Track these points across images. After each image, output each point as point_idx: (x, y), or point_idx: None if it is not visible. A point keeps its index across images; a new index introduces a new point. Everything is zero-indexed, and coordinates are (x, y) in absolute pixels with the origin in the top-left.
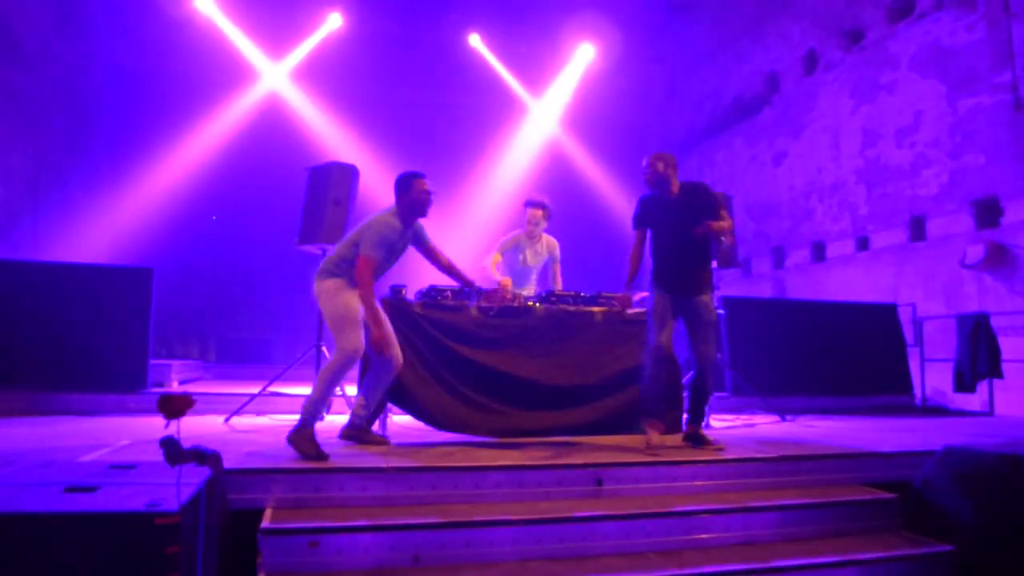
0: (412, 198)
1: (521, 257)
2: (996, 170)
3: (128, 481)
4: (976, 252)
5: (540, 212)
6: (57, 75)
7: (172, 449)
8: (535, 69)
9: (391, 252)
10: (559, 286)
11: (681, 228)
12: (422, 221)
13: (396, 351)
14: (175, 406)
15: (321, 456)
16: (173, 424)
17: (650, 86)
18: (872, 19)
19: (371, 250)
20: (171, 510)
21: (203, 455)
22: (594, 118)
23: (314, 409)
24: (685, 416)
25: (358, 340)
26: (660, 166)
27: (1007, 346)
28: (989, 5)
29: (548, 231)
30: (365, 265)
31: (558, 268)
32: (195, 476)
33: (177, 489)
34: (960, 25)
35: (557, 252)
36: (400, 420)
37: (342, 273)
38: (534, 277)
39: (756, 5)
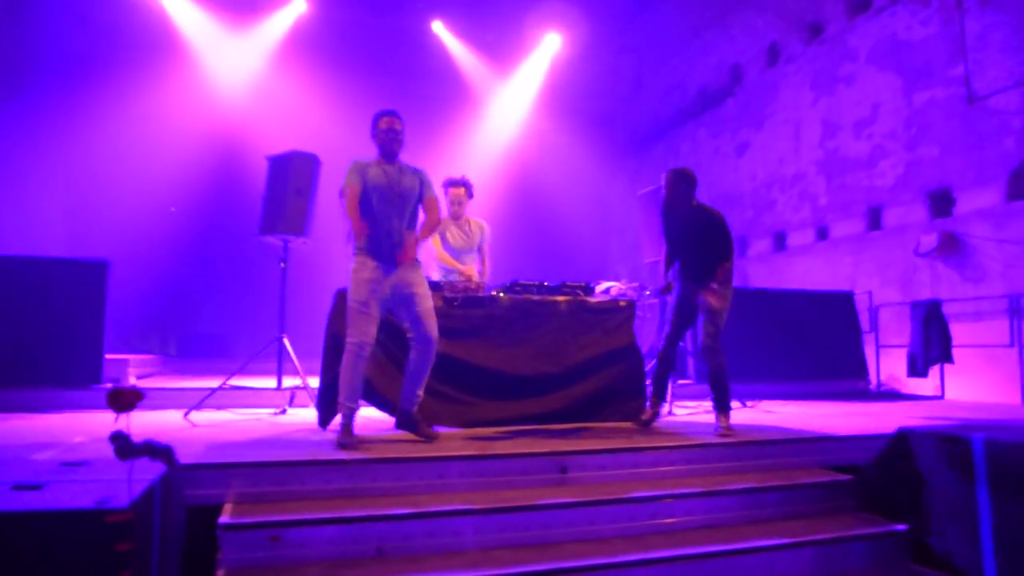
0: (374, 137)
1: (450, 241)
2: (949, 162)
3: (79, 478)
4: (930, 241)
5: (462, 191)
6: (7, 62)
7: (122, 444)
8: (501, 58)
9: (373, 191)
10: (486, 270)
11: (693, 243)
12: (431, 179)
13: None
14: (124, 400)
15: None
16: (123, 419)
17: (617, 76)
18: (832, 13)
19: (346, 183)
20: (121, 507)
21: (155, 449)
22: (561, 107)
23: (343, 404)
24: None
25: (354, 333)
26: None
27: (958, 332)
28: (943, 0)
29: (505, 215)
30: (348, 201)
31: (486, 250)
32: (149, 472)
33: (128, 485)
34: (915, 20)
35: (487, 234)
36: (364, 412)
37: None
38: (469, 261)
39: None
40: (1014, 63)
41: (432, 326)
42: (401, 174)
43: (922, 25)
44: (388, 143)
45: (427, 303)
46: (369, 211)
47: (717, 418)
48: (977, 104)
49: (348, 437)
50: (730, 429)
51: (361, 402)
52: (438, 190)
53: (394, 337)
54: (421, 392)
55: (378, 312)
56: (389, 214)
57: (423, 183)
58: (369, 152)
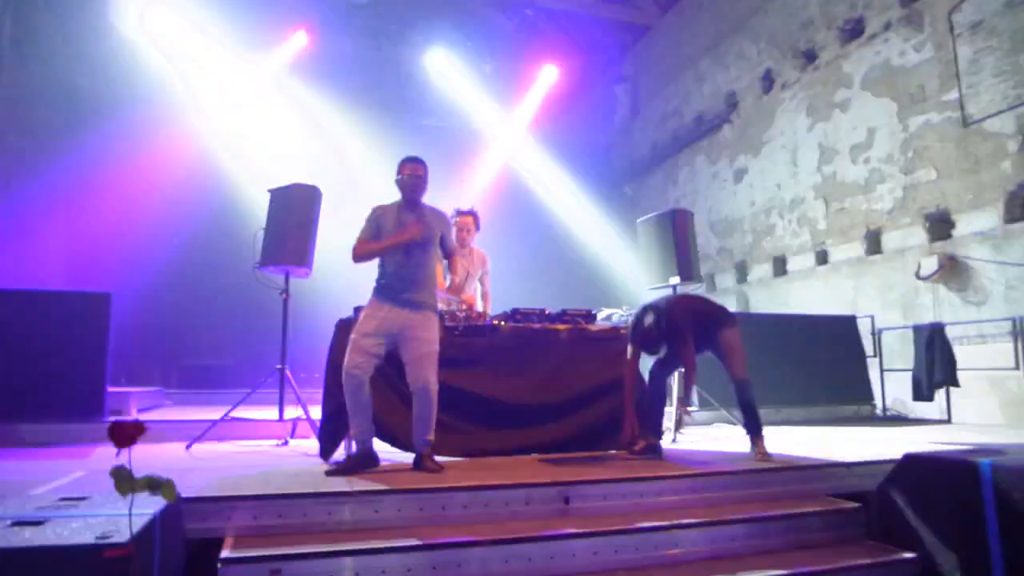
0: (398, 181)
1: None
2: (947, 185)
3: (79, 513)
4: (930, 264)
5: (470, 220)
6: (10, 96)
7: (123, 478)
8: (500, 88)
9: (387, 231)
10: (488, 303)
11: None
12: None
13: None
14: (126, 434)
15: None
16: (124, 453)
17: (614, 106)
18: (825, 40)
19: (360, 232)
20: (121, 542)
21: (156, 483)
22: (559, 137)
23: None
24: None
25: (347, 361)
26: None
27: (962, 355)
28: (935, 26)
29: (505, 244)
30: (356, 247)
31: (487, 282)
32: (150, 506)
33: (128, 520)
34: (908, 45)
35: (488, 265)
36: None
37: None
38: (469, 290)
39: (715, 27)
40: (1007, 87)
41: (424, 373)
42: (419, 222)
43: (915, 51)
44: (409, 190)
45: (425, 348)
46: (384, 257)
47: (752, 444)
48: (972, 127)
49: (343, 467)
50: (767, 454)
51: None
52: None
53: (395, 365)
54: (431, 437)
55: (378, 347)
56: (402, 261)
57: (444, 234)
58: (373, 183)
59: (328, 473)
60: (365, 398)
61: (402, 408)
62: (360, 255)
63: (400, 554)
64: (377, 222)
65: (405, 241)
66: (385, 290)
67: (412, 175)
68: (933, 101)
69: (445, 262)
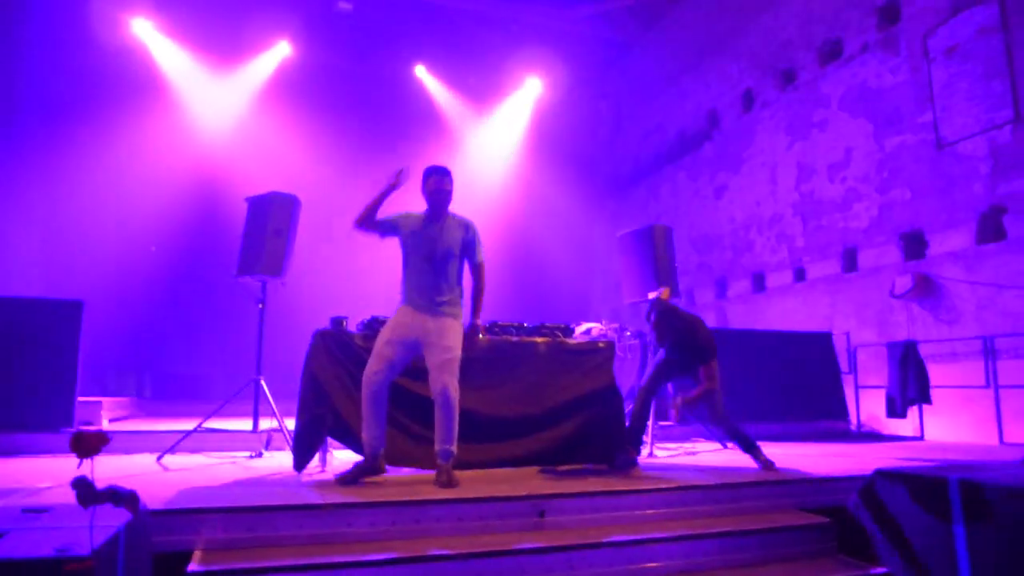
0: (424, 192)
1: None
2: (921, 205)
3: (40, 525)
4: (904, 282)
5: None
6: None
7: (84, 490)
8: (482, 102)
9: (412, 247)
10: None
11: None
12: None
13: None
14: (88, 444)
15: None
16: (87, 463)
17: (597, 120)
18: (804, 61)
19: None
20: (82, 555)
21: (119, 495)
22: (542, 151)
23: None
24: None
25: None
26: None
27: (935, 372)
28: (911, 50)
29: (487, 257)
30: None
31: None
32: (114, 518)
33: (90, 532)
34: (885, 68)
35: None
36: (341, 456)
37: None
38: None
39: (697, 45)
40: (980, 111)
41: (443, 377)
42: (442, 232)
43: (891, 73)
44: (434, 202)
45: (444, 355)
46: (407, 265)
47: (756, 459)
48: (946, 149)
49: (353, 474)
50: (770, 462)
51: (337, 443)
52: None
53: (399, 405)
54: (452, 447)
55: (397, 354)
56: (424, 270)
57: (467, 244)
58: (354, 193)
59: (338, 480)
60: (380, 406)
61: (401, 439)
62: (357, 218)
63: (373, 568)
64: (397, 220)
65: (388, 190)
66: (408, 299)
67: (437, 189)
68: (908, 123)
69: None
